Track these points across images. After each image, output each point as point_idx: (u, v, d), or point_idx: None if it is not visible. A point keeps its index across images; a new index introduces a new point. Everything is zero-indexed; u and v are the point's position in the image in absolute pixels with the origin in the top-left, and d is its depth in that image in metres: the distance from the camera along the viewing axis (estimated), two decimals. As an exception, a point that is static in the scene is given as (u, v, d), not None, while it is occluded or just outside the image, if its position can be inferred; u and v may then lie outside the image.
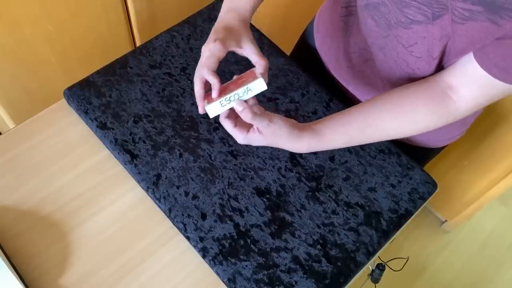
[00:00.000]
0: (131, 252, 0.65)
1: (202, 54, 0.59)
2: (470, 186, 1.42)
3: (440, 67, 0.63)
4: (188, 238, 0.65)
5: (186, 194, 0.67)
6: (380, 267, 0.83)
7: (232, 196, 0.68)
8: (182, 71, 0.79)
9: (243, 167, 0.70)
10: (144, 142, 0.71)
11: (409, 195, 0.70)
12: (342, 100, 0.79)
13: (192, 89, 0.76)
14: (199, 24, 0.84)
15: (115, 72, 0.78)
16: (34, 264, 0.63)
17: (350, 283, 0.64)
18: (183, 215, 0.66)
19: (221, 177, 0.69)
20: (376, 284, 0.91)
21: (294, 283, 0.62)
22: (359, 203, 0.69)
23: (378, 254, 0.68)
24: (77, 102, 0.74)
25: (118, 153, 0.70)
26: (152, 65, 0.79)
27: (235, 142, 0.69)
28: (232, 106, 0.57)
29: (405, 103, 0.61)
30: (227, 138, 0.72)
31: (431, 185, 0.72)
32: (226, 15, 0.62)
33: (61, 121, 0.75)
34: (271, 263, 0.63)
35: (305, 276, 0.63)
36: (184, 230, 0.65)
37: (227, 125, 0.60)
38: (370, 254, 0.65)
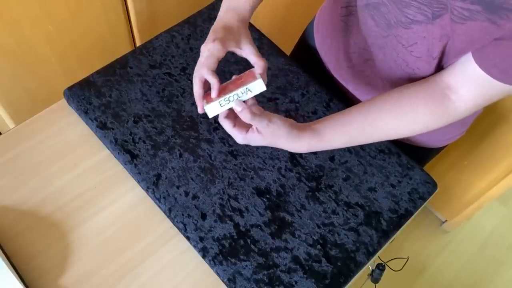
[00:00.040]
0: (131, 252, 0.65)
1: (201, 54, 0.59)
2: (470, 186, 1.42)
3: (440, 67, 0.63)
4: (188, 238, 0.65)
5: (186, 194, 0.67)
6: (380, 267, 0.83)
7: (232, 196, 0.68)
8: (182, 71, 0.79)
9: (243, 167, 0.70)
10: (144, 142, 0.71)
11: (409, 195, 0.70)
12: (342, 100, 0.79)
13: (192, 89, 0.77)
14: (199, 24, 0.84)
15: (115, 72, 0.78)
16: (34, 264, 0.63)
17: (350, 283, 0.64)
18: (183, 215, 0.66)
19: (221, 177, 0.69)
20: (376, 284, 0.91)
21: (294, 283, 0.62)
22: (359, 203, 0.69)
23: (378, 254, 0.68)
24: (77, 102, 0.74)
25: (118, 153, 0.70)
26: (152, 65, 0.79)
27: (235, 142, 0.69)
28: (231, 106, 0.57)
29: (405, 103, 0.61)
30: (227, 138, 0.72)
31: (431, 185, 0.72)
32: (225, 14, 0.62)
33: (61, 121, 0.75)
34: (271, 263, 0.63)
35: (305, 276, 0.63)
36: (184, 230, 0.65)
37: (226, 125, 0.60)
38: (370, 254, 0.65)
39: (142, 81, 0.77)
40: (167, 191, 0.67)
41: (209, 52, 0.57)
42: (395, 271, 0.98)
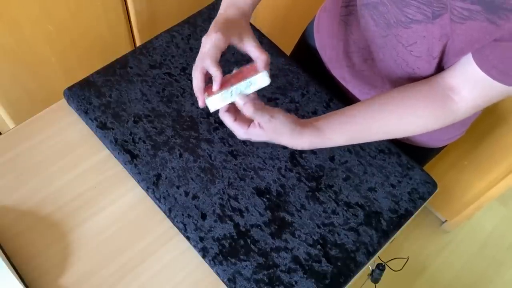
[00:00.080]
0: (131, 252, 0.65)
1: (202, 45, 0.57)
2: (470, 186, 1.42)
3: (440, 66, 0.63)
4: (188, 238, 0.65)
5: (186, 194, 0.67)
6: (380, 267, 0.83)
7: (232, 196, 0.68)
8: (182, 71, 0.79)
9: (243, 167, 0.70)
10: (144, 142, 0.71)
11: (409, 195, 0.70)
12: (342, 100, 0.79)
13: (193, 89, 0.77)
14: (199, 24, 0.84)
15: (115, 72, 0.78)
16: (34, 264, 0.63)
17: (350, 283, 0.64)
18: (183, 215, 0.66)
19: (221, 177, 0.69)
20: (376, 284, 0.91)
21: (294, 283, 0.62)
22: (359, 203, 0.69)
23: (378, 254, 0.68)
24: (77, 102, 0.74)
25: (118, 153, 0.70)
26: (152, 65, 0.79)
27: (235, 142, 0.69)
28: (233, 100, 0.56)
29: (407, 103, 0.61)
30: (227, 138, 0.72)
31: (431, 185, 0.72)
32: (226, 10, 0.61)
33: (61, 121, 0.75)
34: (271, 263, 0.63)
35: (305, 276, 0.63)
36: (184, 230, 0.65)
37: (227, 120, 0.58)
38: (370, 254, 0.65)
39: (142, 81, 0.77)
40: (167, 191, 0.67)
41: (212, 43, 0.55)
42: (395, 271, 0.98)
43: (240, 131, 0.59)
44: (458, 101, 0.59)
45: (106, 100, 0.75)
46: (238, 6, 0.61)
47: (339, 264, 0.64)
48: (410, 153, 0.75)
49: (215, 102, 0.56)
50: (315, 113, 0.76)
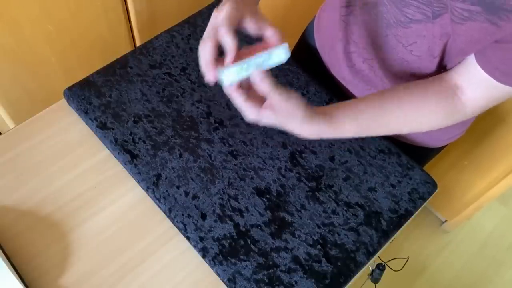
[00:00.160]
0: (131, 252, 0.65)
1: (213, 17, 0.52)
2: (470, 186, 1.42)
3: (441, 66, 0.63)
4: (188, 238, 0.65)
5: (186, 194, 0.67)
6: (380, 267, 0.83)
7: (232, 196, 0.68)
8: (182, 71, 0.79)
9: (243, 167, 0.70)
10: (144, 142, 0.71)
11: (409, 195, 0.70)
12: (342, 100, 0.78)
13: (193, 89, 0.77)
14: (199, 24, 0.84)
15: (115, 72, 0.78)
16: (34, 264, 0.63)
17: (350, 283, 0.64)
18: (183, 215, 0.66)
19: (221, 177, 0.69)
20: (376, 284, 0.91)
21: (294, 283, 0.62)
22: (359, 203, 0.69)
23: (378, 254, 0.68)
24: (77, 102, 0.74)
25: (118, 153, 0.70)
26: (152, 65, 0.79)
27: (235, 142, 0.69)
28: (249, 73, 0.50)
29: (419, 98, 0.60)
30: (227, 138, 0.72)
31: (431, 185, 0.72)
32: None
33: (61, 121, 0.75)
34: (271, 263, 0.63)
35: (305, 276, 0.63)
36: (184, 230, 0.65)
37: (238, 98, 0.53)
38: (370, 254, 0.65)
39: (142, 81, 0.77)
40: (167, 191, 0.67)
41: (227, 13, 0.50)
42: (395, 271, 0.98)
43: (251, 112, 0.54)
44: (464, 101, 0.59)
45: (106, 100, 0.75)
46: None
47: (339, 264, 0.64)
48: (410, 153, 0.75)
49: (231, 74, 0.50)
50: (315, 113, 0.76)
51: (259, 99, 0.54)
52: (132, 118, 0.73)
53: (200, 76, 0.78)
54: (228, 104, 0.76)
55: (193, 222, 0.65)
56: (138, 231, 0.66)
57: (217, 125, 0.74)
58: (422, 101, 0.60)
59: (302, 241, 0.65)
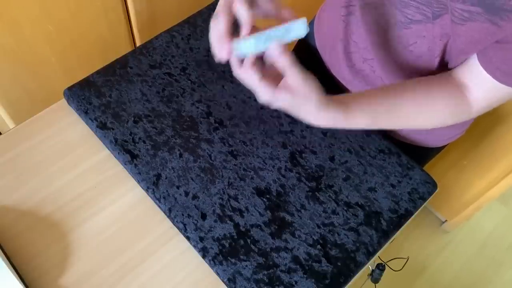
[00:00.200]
0: (131, 252, 0.65)
1: None
2: (470, 186, 1.42)
3: (442, 66, 0.63)
4: (188, 238, 0.65)
5: (186, 194, 0.67)
6: (380, 267, 0.83)
7: (232, 196, 0.68)
8: (182, 71, 0.79)
9: (243, 167, 0.70)
10: (144, 142, 0.71)
11: (409, 195, 0.70)
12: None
13: (193, 89, 0.77)
14: (199, 24, 0.84)
15: (115, 72, 0.78)
16: (34, 264, 0.63)
17: (350, 283, 0.64)
18: (183, 215, 0.66)
19: (221, 177, 0.69)
20: (376, 284, 0.91)
21: (294, 283, 0.62)
22: (359, 203, 0.69)
23: (378, 254, 0.68)
24: (77, 102, 0.74)
25: (118, 153, 0.70)
26: (152, 65, 0.79)
27: (235, 142, 0.69)
28: (266, 47, 0.47)
29: (430, 95, 0.60)
30: (227, 138, 0.72)
31: (431, 185, 0.72)
32: None
33: (61, 121, 0.75)
34: (271, 263, 0.63)
35: (305, 276, 0.63)
36: (184, 230, 0.65)
37: (254, 76, 0.49)
38: (370, 254, 0.65)
39: (142, 81, 0.77)
40: (167, 191, 0.67)
41: None
42: (395, 271, 0.98)
43: (265, 92, 0.50)
44: (471, 100, 0.59)
45: (106, 100, 0.75)
46: None
47: (339, 264, 0.64)
48: (410, 153, 0.75)
49: (248, 45, 0.46)
50: (315, 113, 0.76)
51: (273, 80, 0.51)
52: (132, 118, 0.73)
53: (200, 76, 0.78)
54: (228, 104, 0.76)
55: (193, 222, 0.65)
56: (138, 231, 0.66)
57: (217, 125, 0.73)
58: (433, 97, 0.60)
59: (302, 241, 0.65)
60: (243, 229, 0.65)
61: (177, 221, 0.66)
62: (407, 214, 0.69)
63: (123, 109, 0.74)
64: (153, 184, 0.68)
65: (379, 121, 0.59)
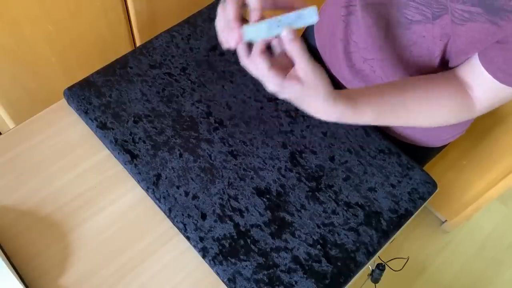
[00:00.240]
0: (131, 252, 0.65)
1: None
2: (469, 186, 1.42)
3: (443, 65, 0.63)
4: (188, 238, 0.65)
5: (186, 194, 0.67)
6: (380, 267, 0.83)
7: (232, 196, 0.68)
8: (182, 71, 0.79)
9: (243, 167, 0.70)
10: (144, 142, 0.71)
11: (409, 195, 0.70)
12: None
13: (193, 89, 0.77)
14: (199, 24, 0.84)
15: (115, 72, 0.78)
16: (34, 264, 0.63)
17: (350, 283, 0.64)
18: (183, 215, 0.66)
19: (221, 177, 0.69)
20: (376, 284, 0.91)
21: (294, 283, 0.62)
22: (359, 203, 0.69)
23: (378, 254, 0.68)
24: (77, 102, 0.74)
25: (118, 153, 0.70)
26: (152, 65, 0.79)
27: (235, 142, 0.69)
28: (278, 32, 0.46)
29: (435, 93, 0.60)
30: (227, 138, 0.72)
31: (431, 185, 0.72)
32: None
33: (61, 121, 0.75)
34: (271, 263, 0.63)
35: (305, 276, 0.63)
36: (184, 230, 0.65)
37: (263, 64, 0.47)
38: (370, 254, 0.65)
39: (142, 81, 0.77)
40: (167, 191, 0.67)
41: None
42: (395, 271, 0.98)
43: (274, 81, 0.49)
44: (474, 99, 0.59)
45: (106, 100, 0.75)
46: None
47: (339, 264, 0.64)
48: (410, 153, 0.75)
49: (258, 30, 0.45)
50: (315, 113, 0.76)
51: (281, 70, 0.49)
52: (132, 118, 0.73)
53: (200, 76, 0.78)
54: (228, 104, 0.76)
55: (193, 222, 0.65)
56: (138, 231, 0.66)
57: (217, 125, 0.73)
58: (438, 96, 0.60)
59: (302, 241, 0.65)
60: (243, 229, 0.65)
61: (177, 221, 0.66)
62: (407, 214, 0.69)
63: (123, 109, 0.74)
64: (153, 184, 0.68)
65: (384, 118, 0.59)
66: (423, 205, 0.71)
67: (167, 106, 0.75)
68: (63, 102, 0.76)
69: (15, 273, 0.59)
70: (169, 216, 0.67)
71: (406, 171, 0.72)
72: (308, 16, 0.47)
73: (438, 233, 1.65)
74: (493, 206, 1.69)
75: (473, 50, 0.56)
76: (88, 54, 1.08)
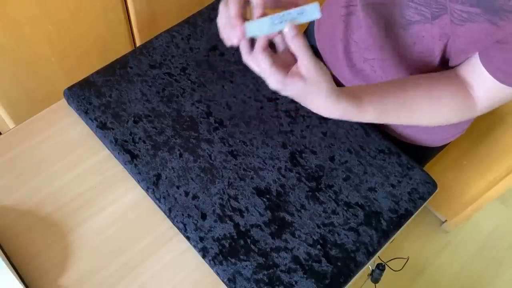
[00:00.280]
0: (131, 252, 0.65)
1: None
2: (469, 186, 1.42)
3: (443, 65, 0.63)
4: (188, 238, 0.65)
5: (186, 194, 0.67)
6: (380, 267, 0.83)
7: (232, 196, 0.68)
8: (182, 71, 0.79)
9: (243, 167, 0.70)
10: (144, 142, 0.71)
11: (409, 195, 0.70)
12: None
13: (193, 89, 0.77)
14: (199, 24, 0.84)
15: (115, 72, 0.78)
16: (34, 264, 0.63)
17: (350, 283, 0.64)
18: (183, 215, 0.66)
19: (221, 177, 0.69)
20: (376, 284, 0.91)
21: (294, 283, 0.62)
22: (359, 203, 0.69)
23: (378, 254, 0.68)
24: (77, 102, 0.74)
25: (118, 153, 0.70)
26: (152, 65, 0.79)
27: (235, 142, 0.69)
28: (281, 28, 0.46)
29: (436, 93, 0.60)
30: (227, 138, 0.72)
31: (431, 185, 0.72)
32: None
33: (61, 121, 0.75)
34: (271, 263, 0.63)
35: (305, 276, 0.63)
36: (184, 230, 0.65)
37: (265, 61, 0.47)
38: (370, 254, 0.65)
39: (142, 81, 0.77)
40: (167, 191, 0.67)
41: None
42: (395, 271, 0.98)
43: (276, 78, 0.48)
44: (475, 98, 0.59)
45: (106, 100, 0.75)
46: None
47: (339, 264, 0.64)
48: (410, 152, 0.75)
49: (260, 26, 0.45)
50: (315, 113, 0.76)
51: (284, 67, 0.49)
52: (132, 118, 0.73)
53: (200, 76, 0.78)
54: (228, 104, 0.76)
55: (193, 222, 0.65)
56: (138, 231, 0.66)
57: (217, 125, 0.73)
58: (440, 95, 0.60)
59: (302, 241, 0.65)
60: (243, 229, 0.65)
61: (177, 221, 0.66)
62: (407, 214, 0.69)
63: (123, 109, 0.74)
64: (153, 184, 0.68)
65: (386, 116, 0.59)
66: (423, 205, 0.71)
67: (167, 106, 0.75)
68: (63, 102, 0.76)
69: (15, 273, 0.59)
70: (169, 216, 0.67)
71: (406, 171, 0.72)
72: (311, 12, 0.46)
73: (438, 233, 1.65)
74: (493, 206, 1.69)
75: (473, 50, 0.56)
76: (88, 54, 1.08)
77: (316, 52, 0.85)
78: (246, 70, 0.59)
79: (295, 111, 0.76)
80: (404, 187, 0.71)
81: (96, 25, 1.04)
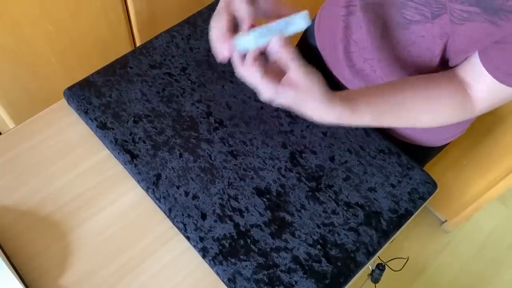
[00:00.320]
0: (131, 252, 0.65)
1: None
2: (469, 186, 1.42)
3: (443, 64, 0.63)
4: (188, 238, 0.65)
5: (186, 194, 0.67)
6: (380, 267, 0.83)
7: (232, 196, 0.68)
8: (182, 71, 0.79)
9: (243, 167, 0.70)
10: (144, 142, 0.71)
11: (409, 195, 0.70)
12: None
13: (193, 89, 0.77)
14: (199, 24, 0.84)
15: (115, 72, 0.78)
16: (34, 264, 0.63)
17: (350, 283, 0.64)
18: (183, 215, 0.66)
19: (221, 177, 0.69)
20: (376, 284, 0.91)
21: (294, 283, 0.62)
22: (359, 203, 0.69)
23: (378, 254, 0.68)
24: (77, 102, 0.74)
25: (118, 153, 0.70)
26: (152, 65, 0.79)
27: (235, 142, 0.69)
28: (268, 41, 0.47)
29: (435, 93, 0.60)
30: (227, 138, 0.72)
31: (431, 185, 0.72)
32: None
33: (61, 121, 0.75)
34: (271, 263, 0.63)
35: (305, 276, 0.63)
36: (184, 230, 0.65)
37: (256, 73, 0.48)
38: (370, 254, 0.65)
39: (142, 81, 0.77)
40: (167, 191, 0.67)
41: None
42: (395, 271, 0.98)
43: (267, 89, 0.49)
44: (473, 98, 0.59)
45: (106, 100, 0.75)
46: None
47: (339, 264, 0.64)
48: (410, 152, 0.75)
49: (248, 40, 0.46)
50: (315, 113, 0.76)
51: (275, 76, 0.50)
52: (132, 118, 0.73)
53: (200, 76, 0.78)
54: (228, 104, 0.76)
55: (193, 222, 0.65)
56: (138, 231, 0.66)
57: (217, 125, 0.73)
58: (438, 95, 0.60)
59: (302, 241, 0.65)
60: (243, 229, 0.65)
61: (177, 221, 0.66)
62: (407, 214, 0.69)
63: (123, 109, 0.74)
64: (153, 184, 0.68)
65: (384, 118, 0.59)
66: (423, 205, 0.71)
67: (167, 106, 0.75)
68: (63, 102, 0.76)
69: (15, 273, 0.59)
70: (169, 216, 0.67)
71: (406, 171, 0.72)
72: (298, 22, 0.47)
73: (438, 233, 1.65)
74: (493, 206, 1.69)
75: (472, 50, 0.56)
76: (88, 54, 1.08)
77: (316, 52, 0.85)
78: (242, 79, 0.59)
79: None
80: (404, 187, 0.71)
81: (96, 25, 1.03)
